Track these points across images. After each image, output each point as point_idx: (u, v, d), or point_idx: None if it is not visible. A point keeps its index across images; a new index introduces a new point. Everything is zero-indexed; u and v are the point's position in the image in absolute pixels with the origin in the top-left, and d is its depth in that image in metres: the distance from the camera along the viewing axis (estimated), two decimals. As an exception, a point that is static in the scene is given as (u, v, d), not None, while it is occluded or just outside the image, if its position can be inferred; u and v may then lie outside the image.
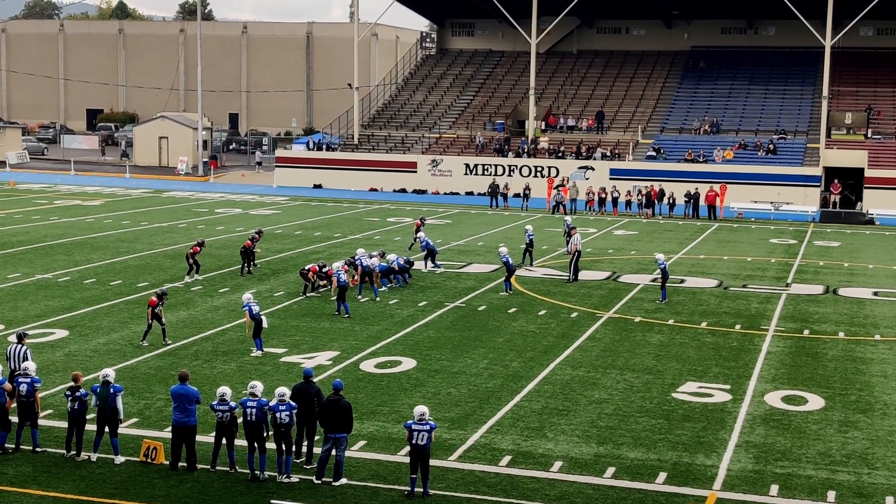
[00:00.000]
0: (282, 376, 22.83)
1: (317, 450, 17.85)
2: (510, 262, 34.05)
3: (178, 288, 32.88)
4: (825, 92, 65.59)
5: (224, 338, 26.70)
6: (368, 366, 24.28)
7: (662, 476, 17.76)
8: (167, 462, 17.74)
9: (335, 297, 30.17)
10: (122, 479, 17.17)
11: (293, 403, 17.47)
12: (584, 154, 66.90)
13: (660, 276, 32.99)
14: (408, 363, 24.55)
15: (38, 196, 61.13)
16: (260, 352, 25.12)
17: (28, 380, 18.51)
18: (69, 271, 35.77)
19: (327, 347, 25.86)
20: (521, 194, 60.18)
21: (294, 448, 17.85)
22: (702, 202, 57.55)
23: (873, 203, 59.91)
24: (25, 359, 20.01)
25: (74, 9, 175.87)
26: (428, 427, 16.61)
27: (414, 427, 16.60)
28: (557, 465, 18.17)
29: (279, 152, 76.24)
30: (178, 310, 29.83)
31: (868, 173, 61.78)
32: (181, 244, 42.52)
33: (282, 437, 17.33)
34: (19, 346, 20.55)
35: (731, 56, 77.66)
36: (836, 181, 62.05)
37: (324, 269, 32.84)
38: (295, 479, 17.28)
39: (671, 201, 57.66)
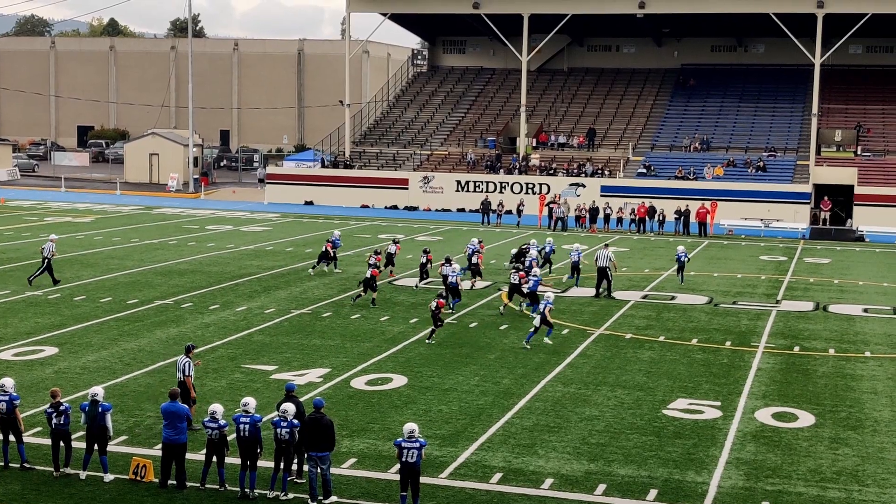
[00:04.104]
0: (272, 394, 22.74)
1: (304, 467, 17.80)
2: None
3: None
4: (815, 109, 65.93)
5: (214, 355, 26.64)
6: (359, 383, 24.24)
7: (653, 493, 17.74)
8: (157, 480, 17.68)
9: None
10: (111, 496, 17.10)
11: (295, 422, 17.38)
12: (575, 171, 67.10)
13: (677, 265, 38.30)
14: (399, 380, 24.51)
15: (28, 213, 61.05)
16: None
17: (6, 397, 18.34)
18: (59, 288, 35.69)
19: (318, 364, 25.82)
20: (516, 211, 60.28)
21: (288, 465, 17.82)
22: (692, 219, 57.72)
23: (863, 220, 60.11)
24: (186, 372, 20.40)
25: (65, 26, 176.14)
26: (418, 444, 16.57)
27: (404, 444, 16.56)
28: (548, 482, 18.13)
29: (270, 169, 76.27)
30: (167, 327, 29.78)
31: (858, 190, 62.00)
32: (171, 261, 42.51)
33: (282, 453, 17.31)
34: (185, 358, 20.69)
35: (721, 74, 77.98)
36: (825, 198, 62.26)
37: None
38: (291, 495, 17.24)
39: (661, 218, 57.85)
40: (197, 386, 23.48)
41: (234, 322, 30.68)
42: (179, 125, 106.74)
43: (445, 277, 33.59)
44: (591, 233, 57.45)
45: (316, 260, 40.60)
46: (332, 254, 40.10)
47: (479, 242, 39.69)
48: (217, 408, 17.61)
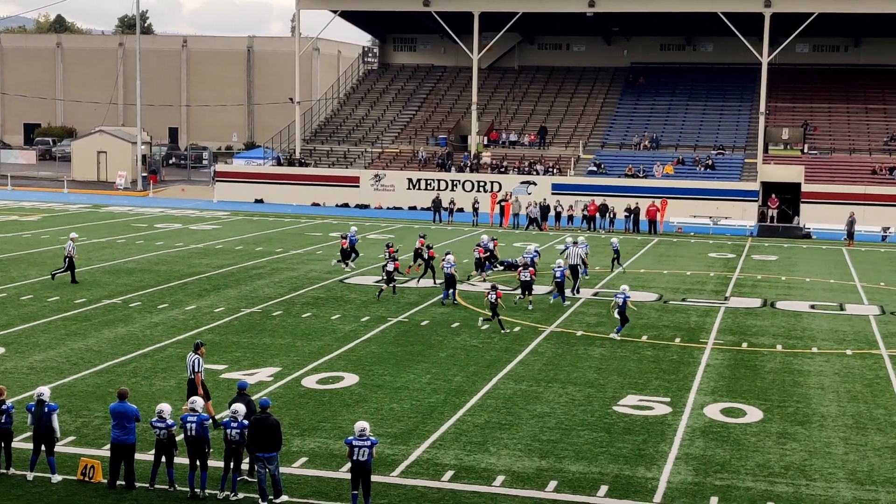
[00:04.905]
0: (222, 393, 22.58)
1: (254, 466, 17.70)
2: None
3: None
4: (762, 108, 66.59)
5: (163, 354, 26.42)
6: (310, 381, 24.15)
7: (604, 489, 17.84)
8: (105, 481, 17.50)
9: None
10: (58, 497, 16.90)
11: (245, 422, 17.26)
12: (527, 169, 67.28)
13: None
14: (350, 378, 24.45)
15: (-27, 211, 60.16)
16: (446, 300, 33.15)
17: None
18: (5, 287, 35.22)
19: (268, 363, 25.68)
20: (472, 209, 60.32)
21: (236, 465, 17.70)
22: (642, 217, 58.09)
23: (810, 217, 60.81)
24: (196, 368, 20.32)
25: (11, 22, 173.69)
26: (369, 443, 16.53)
27: (355, 443, 16.51)
28: (500, 479, 18.17)
29: (219, 167, 75.71)
30: (116, 326, 29.49)
31: (805, 188, 62.69)
32: (119, 259, 42.10)
33: (231, 454, 17.19)
34: (194, 355, 20.63)
35: (670, 72, 78.54)
36: (773, 196, 62.89)
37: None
38: (241, 495, 17.14)
39: (612, 216, 58.19)
40: (146, 386, 23.36)
41: (183, 321, 30.44)
42: (127, 123, 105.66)
43: (442, 269, 34.80)
44: (543, 230, 57.63)
45: (342, 259, 41.26)
46: (347, 250, 41.02)
47: (494, 240, 42.10)
48: (164, 407, 17.46)
